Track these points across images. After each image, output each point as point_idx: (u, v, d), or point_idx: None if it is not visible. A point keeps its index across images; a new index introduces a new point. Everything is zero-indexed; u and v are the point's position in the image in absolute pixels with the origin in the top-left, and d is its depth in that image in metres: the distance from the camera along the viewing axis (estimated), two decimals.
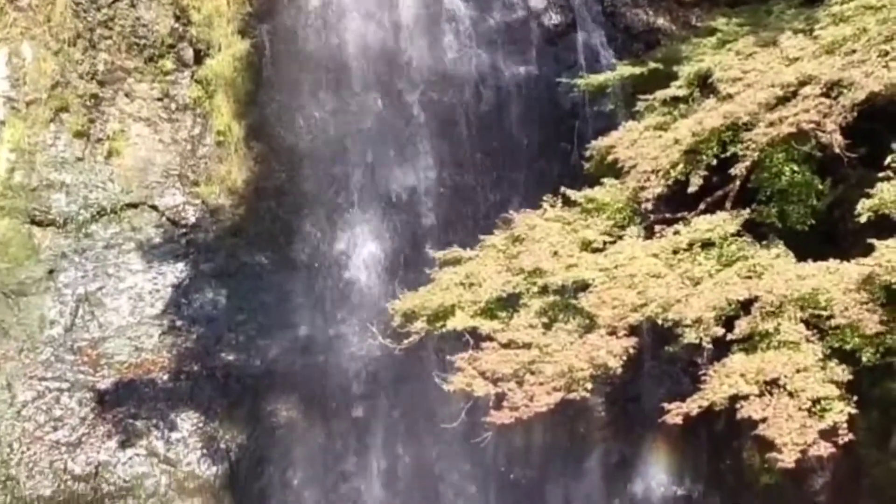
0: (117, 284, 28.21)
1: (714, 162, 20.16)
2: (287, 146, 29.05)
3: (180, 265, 28.51)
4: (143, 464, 27.38)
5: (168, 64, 28.74)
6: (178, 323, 28.28)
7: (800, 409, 17.63)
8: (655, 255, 19.65)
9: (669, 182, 20.31)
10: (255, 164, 28.95)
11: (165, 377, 27.92)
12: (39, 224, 28.02)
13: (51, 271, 27.95)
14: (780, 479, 25.03)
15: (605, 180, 21.09)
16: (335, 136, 28.80)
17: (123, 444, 27.37)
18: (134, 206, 28.54)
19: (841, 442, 17.89)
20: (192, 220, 28.74)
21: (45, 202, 27.97)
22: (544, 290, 19.89)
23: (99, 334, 27.88)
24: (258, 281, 28.75)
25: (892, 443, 24.90)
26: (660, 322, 18.95)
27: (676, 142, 20.26)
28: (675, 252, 19.78)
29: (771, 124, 19.43)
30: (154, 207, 28.66)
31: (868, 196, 18.77)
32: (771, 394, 17.85)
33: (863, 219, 18.73)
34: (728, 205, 20.38)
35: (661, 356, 24.27)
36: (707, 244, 19.84)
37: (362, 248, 28.75)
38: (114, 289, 28.18)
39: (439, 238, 27.27)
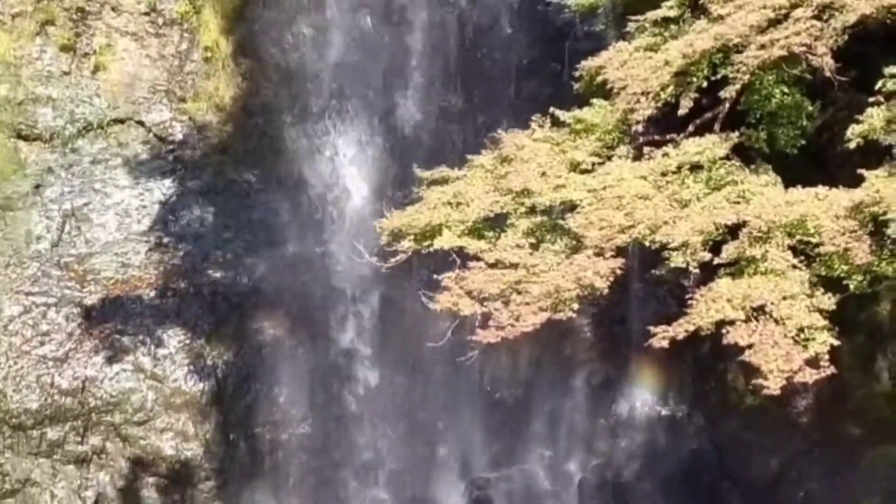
0: (104, 200, 28.15)
1: (704, 84, 20.00)
2: (275, 63, 28.87)
3: (167, 182, 28.43)
4: (129, 379, 27.46)
5: None
6: (165, 240, 28.25)
7: (785, 336, 17.62)
8: (644, 177, 19.54)
9: (659, 104, 20.15)
10: (242, 80, 28.78)
11: (152, 294, 27.92)
12: (26, 138, 27.90)
13: (37, 186, 27.88)
14: (764, 402, 25.09)
15: (594, 101, 20.93)
16: (323, 54, 28.60)
17: (110, 360, 27.42)
18: (121, 121, 28.41)
19: (824, 373, 17.94)
20: (180, 136, 28.62)
21: (32, 116, 27.83)
22: (532, 211, 19.82)
23: (85, 250, 27.86)
24: (245, 198, 28.69)
25: (875, 366, 25.05)
26: (647, 244, 18.91)
27: (667, 63, 20.09)
28: (664, 174, 19.68)
29: (762, 47, 19.27)
30: (141, 123, 28.52)
31: (857, 121, 18.71)
32: (757, 320, 17.83)
33: (852, 144, 18.68)
34: (717, 127, 20.25)
35: (648, 278, 24.31)
36: (696, 167, 19.74)
37: (350, 167, 28.68)
38: (100, 204, 28.11)
39: (427, 157, 27.18)
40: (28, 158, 27.83)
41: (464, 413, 28.31)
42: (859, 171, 18.27)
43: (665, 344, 18.40)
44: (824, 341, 17.76)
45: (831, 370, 17.83)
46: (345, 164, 28.70)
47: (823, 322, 17.86)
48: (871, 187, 17.68)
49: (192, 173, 28.50)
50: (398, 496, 28.03)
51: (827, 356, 17.76)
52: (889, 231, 17.32)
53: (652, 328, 18.51)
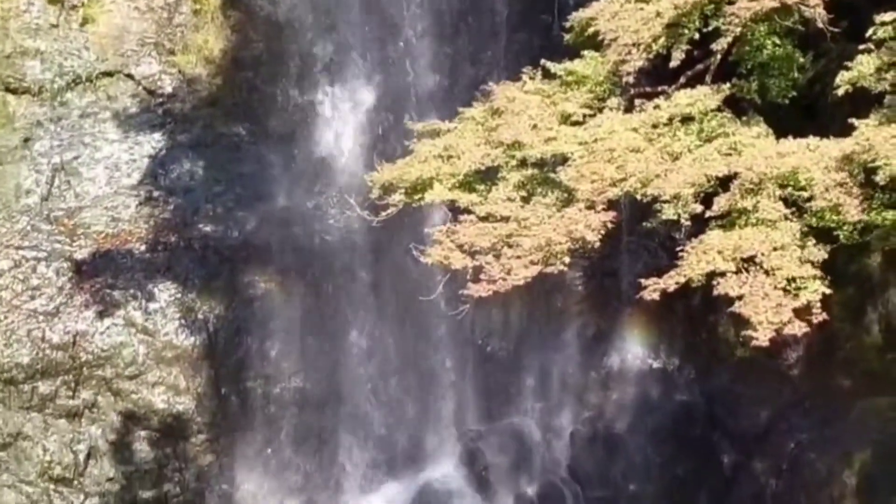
0: (93, 154, 28.05)
1: (696, 36, 19.92)
2: (265, 15, 28.69)
3: (157, 135, 28.32)
4: (120, 333, 27.46)
5: None
6: (155, 194, 28.18)
7: (776, 287, 17.67)
8: (635, 130, 19.51)
9: (650, 56, 20.07)
10: (232, 33, 28.61)
11: (143, 248, 27.88)
12: (14, 92, 27.76)
13: (26, 140, 27.77)
14: (755, 354, 25.19)
15: (585, 53, 20.83)
16: (314, 5, 28.44)
17: (101, 314, 27.41)
18: (109, 74, 28.26)
19: (815, 321, 17.98)
20: (169, 89, 28.48)
21: (20, 69, 27.68)
22: (523, 164, 19.77)
23: (75, 204, 27.79)
24: (236, 152, 28.60)
25: (866, 318, 25.12)
26: (638, 197, 18.90)
27: (658, 15, 19.99)
28: (655, 126, 19.65)
29: None
30: (130, 76, 28.37)
31: (847, 68, 18.66)
32: (747, 271, 17.88)
33: (841, 91, 18.65)
34: (709, 79, 20.21)
35: (640, 231, 24.30)
36: (687, 119, 19.71)
37: (341, 120, 28.59)
38: (90, 158, 28.02)
39: (419, 110, 27.12)
40: (16, 112, 27.71)
41: (455, 366, 28.34)
42: (850, 120, 18.24)
43: (656, 296, 18.44)
44: (816, 290, 17.81)
45: (823, 317, 17.88)
46: (336, 118, 28.59)
47: (814, 272, 17.90)
48: (862, 136, 17.66)
49: (182, 127, 28.38)
50: (390, 449, 28.10)
51: (819, 305, 17.82)
52: (878, 178, 17.31)
53: (643, 281, 18.53)
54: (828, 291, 17.95)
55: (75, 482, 26.89)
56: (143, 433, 27.37)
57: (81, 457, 26.97)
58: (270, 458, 27.72)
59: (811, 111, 22.09)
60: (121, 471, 27.16)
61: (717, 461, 26.64)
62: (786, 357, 26.06)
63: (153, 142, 28.33)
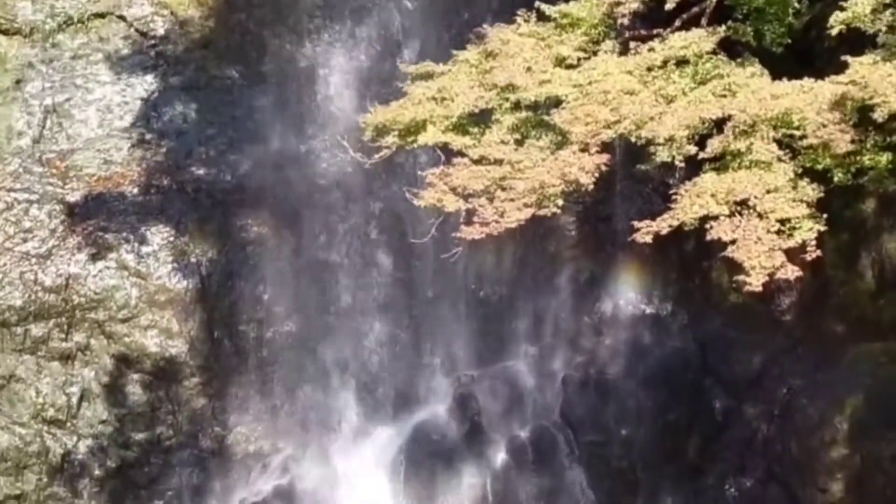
0: (85, 96, 27.96)
1: None
2: None
3: (149, 77, 28.20)
4: (113, 276, 27.43)
5: None
6: (148, 136, 28.10)
7: (769, 231, 17.70)
8: (630, 72, 19.48)
9: None
10: None
11: (135, 191, 27.82)
12: (5, 33, 27.65)
13: (18, 81, 27.67)
14: (748, 299, 25.22)
15: None
16: None
17: (94, 257, 27.39)
18: (101, 15, 28.12)
19: (809, 259, 18.01)
20: (161, 31, 28.34)
21: (11, 10, 27.56)
22: (517, 106, 19.74)
23: (67, 146, 27.72)
24: (228, 95, 28.49)
25: (859, 264, 25.12)
26: (633, 139, 18.90)
27: None
28: (650, 69, 19.61)
29: None
30: (122, 18, 28.23)
31: (842, 8, 18.56)
32: (741, 215, 17.91)
33: (835, 31, 18.57)
34: (704, 22, 20.17)
35: (634, 175, 24.24)
36: (682, 62, 19.66)
37: (334, 62, 28.45)
38: (82, 100, 27.93)
39: (413, 52, 27.01)
40: (8, 53, 27.61)
41: (448, 311, 28.35)
42: (844, 58, 18.16)
43: (649, 240, 18.48)
44: (811, 229, 17.83)
45: (817, 254, 17.90)
46: (329, 60, 28.46)
47: (808, 211, 17.91)
48: (857, 74, 17.59)
49: (175, 69, 28.26)
50: (383, 393, 28.16)
51: (814, 244, 17.87)
52: (875, 116, 17.26)
53: (636, 224, 18.53)
54: (823, 229, 17.96)
55: (68, 424, 26.96)
56: (135, 376, 27.41)
57: (74, 399, 27.03)
58: (263, 402, 27.77)
59: (807, 56, 21.99)
60: (114, 413, 27.22)
61: (708, 406, 26.68)
62: (779, 303, 26.06)
63: (145, 84, 28.22)
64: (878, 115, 17.23)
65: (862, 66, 17.74)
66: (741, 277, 17.88)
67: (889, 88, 17.15)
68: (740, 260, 17.78)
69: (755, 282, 17.70)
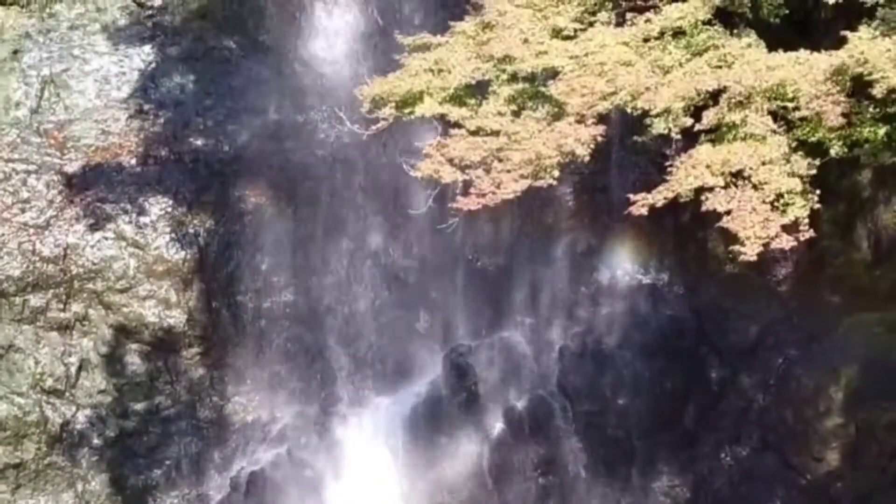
0: (83, 66, 27.96)
1: None
2: None
3: (146, 48, 28.21)
4: (111, 247, 27.50)
5: None
6: (146, 107, 28.13)
7: (763, 201, 17.75)
8: (626, 44, 19.49)
9: None
10: None
11: (133, 161, 27.85)
12: (3, 3, 27.69)
13: (15, 52, 27.67)
14: (743, 269, 25.31)
15: None
16: None
17: (92, 227, 27.45)
18: None
19: (802, 237, 18.06)
20: (158, 2, 28.37)
21: None
22: (514, 78, 19.78)
23: (65, 117, 27.74)
24: (226, 65, 28.49)
25: (855, 234, 25.16)
26: (629, 111, 18.93)
27: None
28: (646, 40, 19.62)
29: None
30: None
31: None
32: (736, 186, 17.96)
33: (831, 1, 18.52)
34: None
35: (630, 146, 24.24)
36: (678, 33, 19.65)
37: (332, 32, 28.41)
38: (79, 71, 27.93)
39: (410, 24, 26.96)
40: (5, 24, 27.58)
41: (446, 281, 28.41)
42: (843, 33, 18.16)
43: (645, 211, 18.53)
44: (804, 205, 17.88)
45: (810, 233, 17.96)
46: (327, 31, 28.42)
47: (802, 186, 17.94)
48: (855, 49, 17.60)
49: (172, 40, 28.26)
50: (380, 363, 28.25)
51: (807, 221, 17.89)
52: (874, 92, 17.27)
53: (632, 196, 18.58)
54: (816, 207, 18.00)
55: (67, 394, 27.08)
56: (134, 346, 27.51)
57: (73, 369, 27.15)
58: (261, 371, 27.87)
59: (804, 27, 21.93)
60: (112, 383, 27.34)
61: (704, 376, 26.77)
62: (775, 273, 26.11)
63: (143, 54, 28.23)
64: (878, 91, 17.25)
65: (861, 42, 17.73)
66: (736, 247, 17.95)
67: (888, 64, 17.16)
68: (735, 230, 17.85)
69: (750, 251, 17.78)
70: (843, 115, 17.63)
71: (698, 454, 26.53)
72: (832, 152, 18.22)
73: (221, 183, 28.07)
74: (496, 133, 19.25)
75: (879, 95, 17.40)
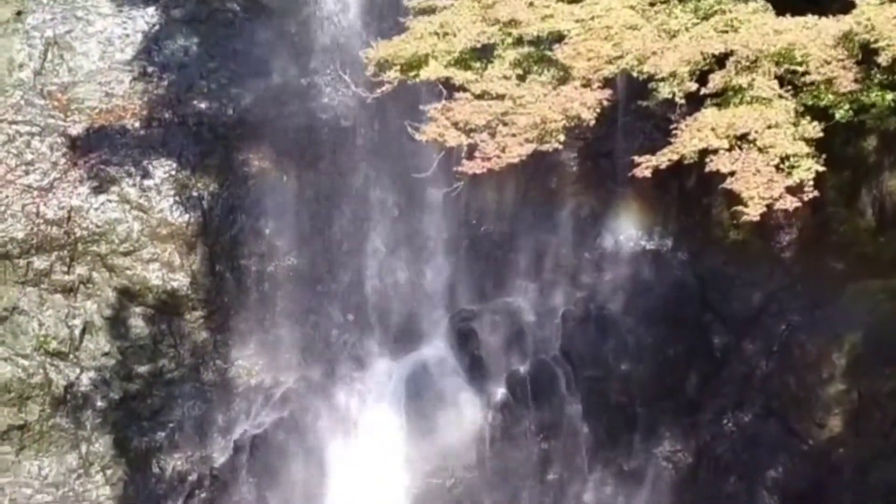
0: (86, 28, 27.86)
1: None
2: None
3: (150, 10, 28.11)
4: (115, 210, 27.47)
5: None
6: (149, 69, 28.03)
7: (768, 164, 17.74)
8: (632, 7, 19.45)
9: None
10: None
11: (137, 124, 27.79)
12: None
13: (18, 13, 27.59)
14: (748, 236, 25.33)
15: None
16: None
17: (96, 190, 27.41)
18: None
19: (807, 199, 18.04)
20: None
21: None
22: (519, 41, 19.74)
23: (69, 79, 27.66)
24: (230, 28, 28.40)
25: (860, 201, 25.13)
26: (635, 75, 18.90)
27: None
28: (652, 4, 19.59)
29: None
30: None
31: None
32: (741, 149, 17.94)
33: None
34: None
35: (636, 111, 24.18)
36: None
37: None
38: (83, 32, 27.84)
39: None
40: None
41: (449, 246, 28.40)
42: None
43: (648, 174, 18.54)
44: (809, 168, 17.85)
45: (815, 194, 17.94)
46: None
47: (808, 149, 17.90)
48: (863, 15, 17.54)
49: (176, 2, 28.16)
50: (383, 327, 28.28)
51: (812, 184, 17.87)
52: (880, 59, 17.22)
53: (637, 158, 18.56)
54: (821, 169, 17.97)
55: (71, 356, 27.11)
56: (138, 309, 27.53)
57: (77, 331, 27.17)
58: (265, 335, 27.90)
59: None
60: (116, 346, 27.37)
61: (708, 342, 26.80)
62: (779, 240, 26.09)
63: (146, 17, 28.14)
64: (883, 60, 17.21)
65: (868, 7, 17.66)
66: (739, 208, 17.92)
67: (895, 32, 17.11)
68: (739, 191, 17.84)
69: (753, 212, 17.78)
70: (855, 80, 17.59)
71: (701, 420, 26.59)
72: (837, 115, 18.19)
73: (225, 146, 28.02)
74: (501, 97, 19.24)
75: (885, 63, 17.36)
